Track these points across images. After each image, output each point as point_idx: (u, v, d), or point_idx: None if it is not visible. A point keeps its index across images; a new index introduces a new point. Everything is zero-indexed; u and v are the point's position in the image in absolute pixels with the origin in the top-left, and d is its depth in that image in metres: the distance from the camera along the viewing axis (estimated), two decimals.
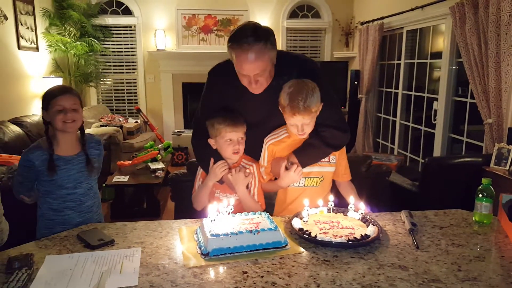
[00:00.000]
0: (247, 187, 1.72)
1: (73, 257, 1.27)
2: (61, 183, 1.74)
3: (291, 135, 1.70)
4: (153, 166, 4.04)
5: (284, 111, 1.60)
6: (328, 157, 1.74)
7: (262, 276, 1.15)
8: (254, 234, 1.30)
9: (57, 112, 1.68)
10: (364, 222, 1.49)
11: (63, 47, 5.36)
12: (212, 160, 1.71)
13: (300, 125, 1.59)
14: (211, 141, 1.73)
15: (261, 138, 1.77)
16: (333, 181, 1.84)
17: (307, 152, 1.68)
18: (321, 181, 1.75)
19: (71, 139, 1.78)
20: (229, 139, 1.67)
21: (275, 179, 1.74)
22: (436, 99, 4.20)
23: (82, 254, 1.28)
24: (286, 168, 1.64)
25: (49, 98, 1.70)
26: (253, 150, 1.78)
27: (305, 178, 1.72)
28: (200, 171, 1.83)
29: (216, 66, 1.73)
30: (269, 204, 1.81)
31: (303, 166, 1.66)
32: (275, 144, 1.71)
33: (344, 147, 1.81)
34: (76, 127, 1.75)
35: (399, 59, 5.01)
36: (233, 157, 1.71)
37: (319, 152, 1.70)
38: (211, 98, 1.74)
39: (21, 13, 4.72)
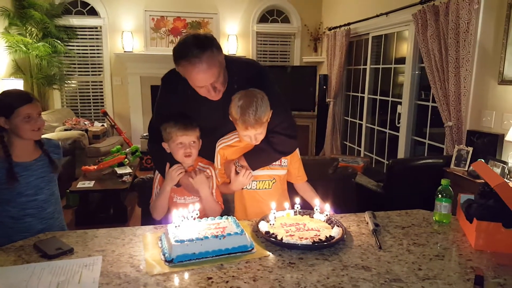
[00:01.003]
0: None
1: (29, 267, 1.21)
2: (20, 190, 1.67)
3: (241, 140, 1.71)
4: (120, 171, 3.94)
5: (236, 124, 1.61)
6: (279, 161, 1.77)
7: (227, 282, 1.14)
8: (220, 239, 1.29)
9: (23, 121, 1.63)
10: (329, 224, 1.51)
11: (24, 48, 5.15)
12: (168, 164, 1.71)
13: (253, 135, 1.62)
14: (164, 145, 1.73)
15: (214, 144, 1.77)
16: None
17: (257, 156, 1.70)
18: (273, 183, 1.78)
19: (28, 145, 1.71)
20: (180, 143, 1.67)
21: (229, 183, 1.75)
22: (400, 103, 4.33)
23: (38, 265, 1.23)
24: (237, 172, 1.66)
25: (12, 105, 1.63)
26: (211, 155, 1.78)
27: (256, 181, 1.74)
28: (156, 179, 1.81)
29: (169, 72, 1.71)
30: (227, 208, 1.81)
31: (253, 169, 1.69)
32: (224, 149, 1.74)
33: (297, 150, 1.83)
34: (41, 134, 1.73)
35: (365, 64, 5.14)
36: (185, 160, 1.71)
37: (268, 157, 1.73)
38: (165, 104, 1.74)
39: None
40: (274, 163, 1.75)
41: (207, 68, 1.46)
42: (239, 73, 1.63)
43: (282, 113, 1.69)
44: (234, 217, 1.47)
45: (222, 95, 1.60)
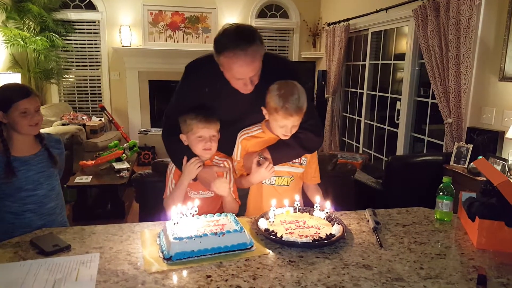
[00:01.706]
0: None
1: (25, 264, 1.19)
2: (20, 185, 1.64)
3: (265, 132, 1.68)
4: (117, 166, 3.92)
5: (275, 113, 1.56)
6: (300, 159, 1.74)
7: (226, 280, 1.12)
8: (219, 236, 1.27)
9: (20, 115, 1.60)
10: (329, 221, 1.49)
11: (22, 42, 5.10)
12: (185, 158, 1.66)
13: (290, 126, 1.59)
14: (182, 137, 1.68)
15: (235, 137, 1.73)
16: None
17: (281, 151, 1.67)
18: (291, 180, 1.75)
19: (27, 139, 1.69)
20: (200, 136, 1.63)
21: (247, 175, 1.72)
22: (399, 99, 4.31)
23: (35, 262, 1.21)
24: (259, 164, 1.62)
25: (10, 100, 1.60)
26: (228, 147, 1.74)
27: (275, 176, 1.71)
28: (171, 172, 1.76)
29: (195, 61, 1.68)
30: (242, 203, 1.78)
31: (275, 163, 1.65)
32: (248, 139, 1.70)
33: (316, 151, 1.81)
34: (39, 129, 1.70)
35: (364, 60, 5.11)
36: (204, 154, 1.66)
37: (292, 153, 1.70)
38: (187, 94, 1.69)
39: None
40: (295, 160, 1.73)
41: (251, 61, 1.44)
42: (270, 67, 1.60)
43: (310, 110, 1.67)
44: (234, 214, 1.46)
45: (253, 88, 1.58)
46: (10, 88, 1.68)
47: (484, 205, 1.42)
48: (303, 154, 1.73)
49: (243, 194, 1.77)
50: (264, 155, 1.64)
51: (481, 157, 2.43)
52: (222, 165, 1.72)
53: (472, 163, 2.80)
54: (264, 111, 1.62)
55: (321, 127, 1.77)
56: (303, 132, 1.66)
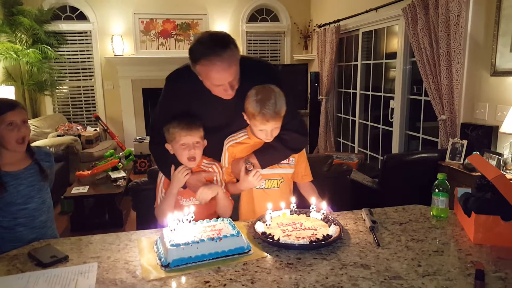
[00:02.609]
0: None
1: (23, 277, 1.18)
2: (11, 199, 1.64)
3: (251, 137, 1.69)
4: (114, 175, 3.90)
5: (253, 119, 1.58)
6: (288, 159, 1.75)
7: (224, 285, 1.12)
8: (216, 241, 1.27)
9: (7, 128, 1.60)
10: (326, 222, 1.49)
11: (14, 55, 5.10)
12: (173, 166, 1.67)
13: (269, 130, 1.60)
14: (168, 146, 1.70)
15: (222, 143, 1.75)
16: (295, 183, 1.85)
17: (267, 154, 1.68)
18: (281, 182, 1.76)
19: (17, 154, 1.68)
20: (183, 144, 1.63)
21: (237, 181, 1.73)
22: (393, 98, 4.33)
23: (33, 273, 1.20)
24: (247, 171, 1.63)
25: None
26: (217, 154, 1.76)
27: (265, 180, 1.71)
28: (161, 182, 1.77)
29: (175, 71, 1.69)
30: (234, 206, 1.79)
31: (263, 167, 1.67)
32: (234, 146, 1.71)
33: (304, 150, 1.82)
34: (26, 144, 1.68)
35: (356, 60, 5.14)
36: (189, 164, 1.66)
37: (279, 154, 1.71)
38: (169, 104, 1.70)
39: None
40: (282, 161, 1.73)
41: (228, 66, 1.45)
42: (249, 71, 1.61)
43: (292, 111, 1.68)
44: (230, 219, 1.46)
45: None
46: None
47: (479, 200, 1.43)
48: (289, 155, 1.74)
49: (234, 198, 1.78)
50: (251, 161, 1.65)
51: (475, 152, 2.44)
52: (210, 169, 1.72)
53: (467, 159, 2.81)
54: (245, 116, 1.63)
55: (304, 126, 1.78)
56: (287, 133, 1.68)
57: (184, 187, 1.69)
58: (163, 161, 1.73)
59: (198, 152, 1.66)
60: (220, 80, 1.48)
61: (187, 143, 1.63)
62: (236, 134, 1.73)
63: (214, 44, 1.44)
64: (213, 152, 1.75)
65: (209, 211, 1.71)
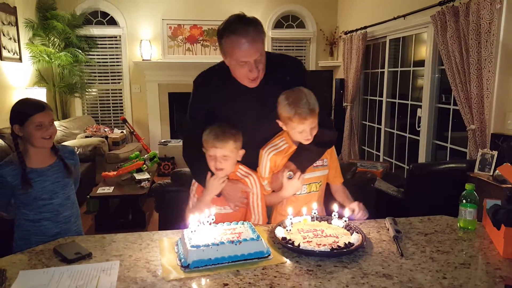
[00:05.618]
0: (248, 198, 1.68)
1: (48, 272, 1.22)
2: (36, 195, 1.72)
3: (291, 145, 1.67)
4: (138, 176, 3.98)
5: (290, 121, 1.57)
6: (321, 160, 1.74)
7: None
8: (236, 244, 1.27)
9: (36, 128, 1.67)
10: (348, 230, 1.47)
11: (47, 58, 5.29)
12: (209, 173, 1.63)
13: (309, 129, 1.58)
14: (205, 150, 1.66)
15: (254, 143, 1.70)
16: None
17: (303, 156, 1.66)
18: (320, 185, 1.75)
19: (43, 151, 1.76)
20: (210, 155, 1.60)
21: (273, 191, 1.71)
22: (420, 106, 4.24)
23: (58, 269, 1.24)
24: (288, 178, 1.61)
25: (26, 114, 1.68)
26: (246, 156, 1.69)
27: (306, 184, 1.70)
28: (194, 188, 1.74)
29: (200, 74, 1.71)
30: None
31: (303, 170, 1.65)
32: (277, 155, 1.67)
33: (335, 151, 1.81)
34: (52, 142, 1.76)
35: (383, 67, 5.06)
36: (217, 173, 1.62)
37: (313, 154, 1.69)
38: (199, 106, 1.70)
39: (3, 24, 4.65)
40: (317, 164, 1.72)
41: (253, 40, 1.48)
42: (274, 63, 1.62)
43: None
44: (250, 222, 1.45)
45: (260, 83, 1.59)
46: (26, 103, 1.75)
47: (510, 212, 1.37)
48: (323, 152, 1.73)
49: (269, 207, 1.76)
50: (291, 168, 1.63)
51: (506, 163, 2.35)
52: (247, 181, 1.67)
53: (497, 170, 2.72)
54: (280, 124, 1.63)
55: (330, 120, 1.81)
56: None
57: (219, 195, 1.65)
58: (196, 167, 1.70)
59: (226, 164, 1.60)
60: (246, 54, 1.49)
61: (213, 155, 1.59)
62: (275, 144, 1.69)
63: (240, 20, 1.50)
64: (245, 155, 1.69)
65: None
